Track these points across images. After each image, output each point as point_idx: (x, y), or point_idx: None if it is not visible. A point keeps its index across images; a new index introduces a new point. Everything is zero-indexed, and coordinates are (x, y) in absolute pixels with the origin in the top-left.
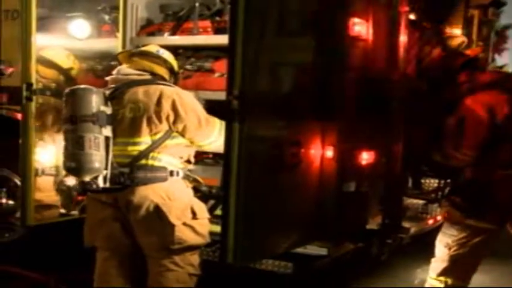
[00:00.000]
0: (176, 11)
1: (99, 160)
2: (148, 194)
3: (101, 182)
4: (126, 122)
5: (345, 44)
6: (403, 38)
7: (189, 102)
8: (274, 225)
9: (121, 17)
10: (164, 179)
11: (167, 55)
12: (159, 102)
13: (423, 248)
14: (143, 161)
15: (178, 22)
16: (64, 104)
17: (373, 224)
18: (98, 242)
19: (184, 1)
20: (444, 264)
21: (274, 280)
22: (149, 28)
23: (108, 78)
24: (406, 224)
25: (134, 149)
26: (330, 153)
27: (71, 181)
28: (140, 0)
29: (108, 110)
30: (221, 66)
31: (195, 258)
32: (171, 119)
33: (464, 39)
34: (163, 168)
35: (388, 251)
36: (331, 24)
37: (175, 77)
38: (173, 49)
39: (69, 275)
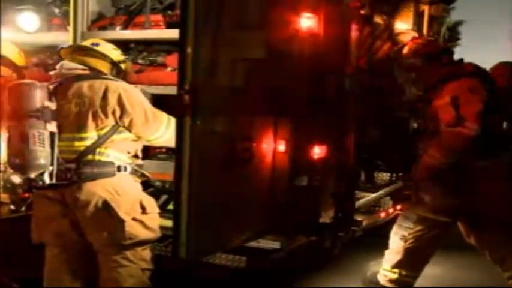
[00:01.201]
0: (128, 4)
1: (44, 156)
2: (96, 190)
3: (47, 179)
4: (72, 117)
5: (297, 38)
6: (354, 33)
7: (135, 96)
8: (226, 220)
9: (71, 10)
10: (112, 174)
11: (105, 48)
12: (104, 97)
13: (375, 241)
14: (90, 157)
15: (130, 16)
16: (8, 99)
17: (326, 217)
18: (46, 239)
19: None
20: (399, 257)
21: (228, 274)
22: (100, 22)
23: (52, 73)
24: (358, 218)
25: (80, 144)
26: (282, 147)
27: (17, 178)
28: None
29: (53, 105)
30: (173, 60)
31: (146, 253)
32: (117, 113)
33: (415, 34)
34: (111, 163)
35: (341, 244)
36: (282, 18)
37: (117, 69)
38: (125, 43)
39: (20, 273)
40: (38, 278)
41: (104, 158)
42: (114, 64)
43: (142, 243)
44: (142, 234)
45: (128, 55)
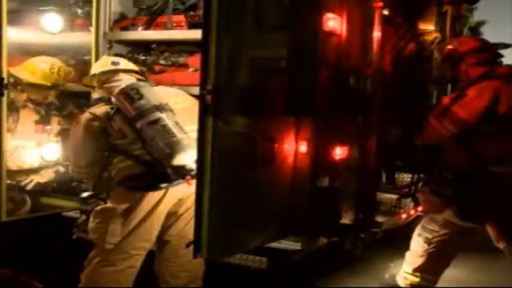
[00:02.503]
0: (150, 5)
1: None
2: None
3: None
4: (178, 114)
5: (319, 39)
6: (377, 34)
7: None
8: (248, 220)
9: (94, 10)
10: None
11: (126, 65)
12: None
13: (396, 242)
14: None
15: (152, 16)
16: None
17: (347, 218)
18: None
19: None
20: (422, 260)
21: (248, 275)
22: (122, 22)
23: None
24: (379, 219)
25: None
26: (303, 148)
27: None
28: None
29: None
30: (195, 61)
31: None
32: None
33: (437, 34)
34: None
35: (362, 245)
36: (305, 19)
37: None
38: (147, 44)
39: (43, 272)
40: (61, 278)
41: None
42: (138, 73)
43: None
44: None
45: (149, 56)
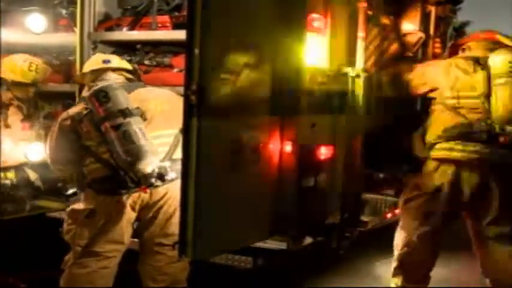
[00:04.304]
0: (135, 5)
1: (154, 151)
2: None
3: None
4: (157, 118)
5: (304, 39)
6: (361, 34)
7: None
8: (233, 220)
9: (78, 11)
10: None
11: (117, 63)
12: (174, 100)
13: (382, 242)
14: (175, 155)
15: (136, 17)
16: (97, 103)
17: (332, 218)
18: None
19: None
20: (394, 264)
21: (234, 275)
22: (107, 23)
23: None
24: (364, 218)
25: (165, 143)
26: (288, 148)
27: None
28: None
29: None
30: (180, 61)
31: None
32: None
33: (422, 35)
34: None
35: (347, 244)
36: (290, 19)
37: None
38: (132, 44)
39: (29, 274)
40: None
41: (178, 155)
42: (130, 72)
43: None
44: None
45: (134, 56)
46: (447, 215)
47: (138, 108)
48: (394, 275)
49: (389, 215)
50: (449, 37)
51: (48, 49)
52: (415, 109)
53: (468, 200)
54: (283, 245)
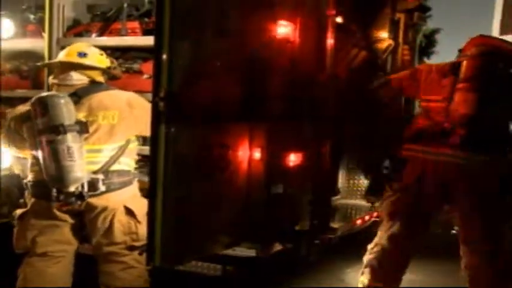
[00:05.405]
0: (104, 11)
1: (80, 169)
2: (122, 198)
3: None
4: (101, 129)
5: (273, 46)
6: (330, 41)
7: (147, 104)
8: (202, 227)
9: (47, 17)
10: (131, 182)
11: (95, 59)
12: (131, 109)
13: (353, 248)
14: (115, 166)
15: (106, 23)
16: (36, 112)
17: (302, 224)
18: (46, 249)
19: (113, 1)
20: (363, 263)
21: (203, 282)
22: (76, 29)
23: (56, 82)
24: (334, 225)
25: (106, 155)
26: (257, 154)
27: None
28: None
29: (80, 118)
30: (149, 67)
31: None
32: (142, 125)
33: (391, 42)
34: (129, 172)
35: (317, 251)
36: (258, 26)
37: (108, 75)
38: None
39: None
40: None
41: (124, 167)
42: (105, 72)
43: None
44: None
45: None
46: (416, 215)
47: (79, 122)
48: (362, 273)
49: (359, 222)
50: (418, 44)
51: (16, 55)
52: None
53: (433, 201)
54: (252, 252)
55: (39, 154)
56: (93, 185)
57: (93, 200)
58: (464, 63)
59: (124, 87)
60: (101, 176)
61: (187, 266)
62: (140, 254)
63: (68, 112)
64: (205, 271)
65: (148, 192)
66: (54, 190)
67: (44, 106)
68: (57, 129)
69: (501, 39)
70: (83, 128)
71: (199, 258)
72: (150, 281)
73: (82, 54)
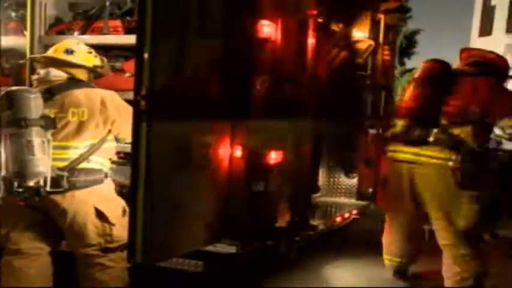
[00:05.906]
0: (86, 9)
1: (43, 164)
2: (89, 198)
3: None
4: (69, 126)
5: (254, 45)
6: (311, 41)
7: (125, 104)
8: (183, 224)
9: (29, 14)
10: (101, 181)
11: (82, 57)
12: (103, 107)
13: (333, 245)
14: (82, 165)
15: (88, 21)
16: (7, 106)
17: (282, 222)
18: (21, 246)
19: (95, 0)
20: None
21: (185, 279)
22: (58, 27)
23: (35, 78)
24: (314, 222)
25: (74, 153)
26: (238, 152)
27: None
28: None
29: (50, 113)
30: (131, 66)
31: (125, 253)
32: (116, 123)
33: (371, 42)
34: (100, 171)
35: (297, 248)
36: (240, 26)
37: (95, 74)
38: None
39: None
40: None
41: (94, 166)
42: (92, 70)
43: (124, 245)
44: (125, 236)
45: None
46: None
47: (44, 117)
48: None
49: (338, 219)
50: (398, 45)
51: None
52: None
53: (409, 197)
54: (232, 249)
55: (2, 147)
56: (56, 181)
57: (57, 197)
58: None
59: (106, 86)
60: (65, 173)
61: (168, 262)
62: (121, 251)
63: (34, 107)
64: (186, 267)
65: (129, 189)
66: (16, 184)
67: (10, 99)
68: (19, 123)
69: None
70: (49, 123)
71: (180, 254)
72: (131, 278)
73: (69, 51)
